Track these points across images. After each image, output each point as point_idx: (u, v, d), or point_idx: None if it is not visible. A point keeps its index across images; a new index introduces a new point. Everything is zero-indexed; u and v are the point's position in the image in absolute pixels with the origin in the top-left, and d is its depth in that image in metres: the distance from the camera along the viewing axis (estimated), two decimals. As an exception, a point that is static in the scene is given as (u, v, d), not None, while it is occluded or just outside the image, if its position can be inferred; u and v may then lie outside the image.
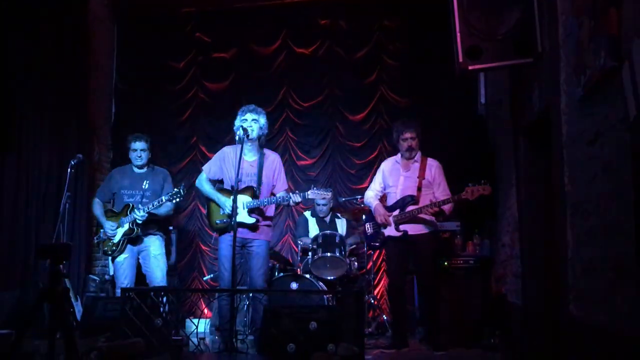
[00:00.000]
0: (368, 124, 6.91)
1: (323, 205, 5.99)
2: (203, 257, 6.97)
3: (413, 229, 4.77)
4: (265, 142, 5.02)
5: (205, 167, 4.88)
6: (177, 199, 4.89)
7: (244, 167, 4.66)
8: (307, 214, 6.23)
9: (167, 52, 7.33)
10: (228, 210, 4.51)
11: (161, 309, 4.17)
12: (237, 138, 4.58)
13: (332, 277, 5.41)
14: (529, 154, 4.42)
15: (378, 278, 6.54)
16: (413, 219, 4.76)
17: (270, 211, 4.80)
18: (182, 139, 7.19)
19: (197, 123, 7.25)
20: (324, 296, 5.24)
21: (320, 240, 5.45)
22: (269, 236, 4.84)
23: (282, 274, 5.52)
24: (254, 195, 4.60)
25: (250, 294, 4.97)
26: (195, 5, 7.31)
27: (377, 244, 5.07)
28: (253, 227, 4.62)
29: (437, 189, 4.82)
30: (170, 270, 5.70)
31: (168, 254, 5.64)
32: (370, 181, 5.62)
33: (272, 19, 7.22)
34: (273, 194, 4.77)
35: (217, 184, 4.86)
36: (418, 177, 4.84)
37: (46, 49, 5.91)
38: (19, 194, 5.53)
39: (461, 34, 3.84)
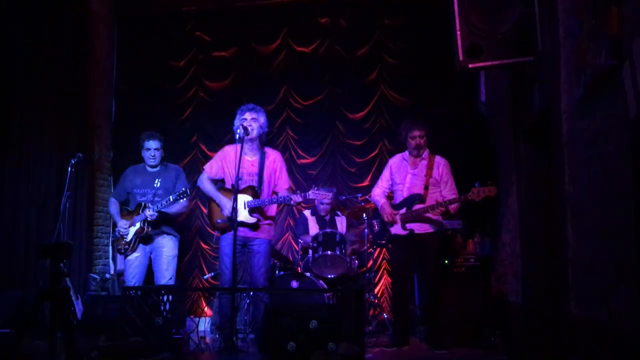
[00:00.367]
0: (368, 123, 6.91)
1: (327, 204, 5.99)
2: (204, 256, 6.97)
3: (419, 227, 4.77)
4: (266, 140, 5.02)
5: (206, 167, 4.88)
6: (184, 198, 4.89)
7: (245, 166, 4.66)
8: (307, 212, 6.24)
9: (168, 51, 7.33)
10: (227, 212, 4.50)
11: (161, 308, 4.17)
12: (237, 137, 4.57)
13: (332, 276, 5.41)
14: (530, 153, 4.42)
15: (378, 276, 6.54)
16: (419, 217, 4.76)
17: (272, 210, 4.80)
18: (183, 138, 7.18)
19: (198, 122, 7.24)
20: (325, 295, 5.25)
21: (320, 239, 5.46)
22: (270, 235, 4.84)
23: (282, 272, 5.53)
24: (255, 195, 4.60)
25: (251, 293, 4.98)
26: (196, 4, 7.30)
27: (384, 241, 5.07)
28: (254, 226, 4.62)
29: (445, 188, 4.82)
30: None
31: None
32: (371, 180, 5.66)
33: (272, 18, 7.21)
34: (275, 193, 4.77)
35: (219, 183, 4.87)
36: (425, 176, 4.83)
37: (46, 48, 5.91)
38: (20, 193, 5.54)
39: (461, 33, 3.83)
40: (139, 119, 7.16)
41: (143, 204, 5.03)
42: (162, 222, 5.08)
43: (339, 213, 6.25)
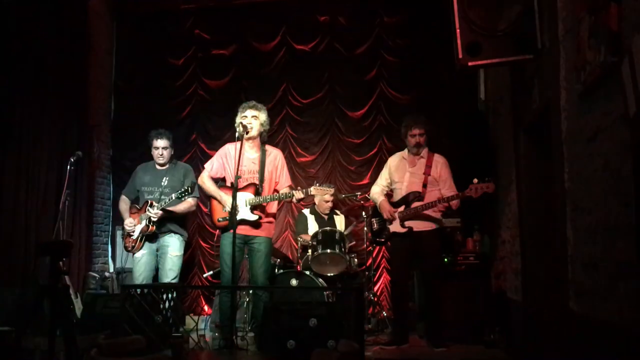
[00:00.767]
0: (368, 121, 6.91)
1: (329, 201, 5.99)
2: (203, 254, 6.97)
3: (418, 225, 4.77)
4: (267, 138, 5.02)
5: (207, 165, 4.89)
6: (186, 196, 4.89)
7: (246, 164, 4.66)
8: (306, 211, 6.24)
9: (167, 48, 7.33)
10: (228, 209, 4.51)
11: (161, 306, 4.17)
12: (237, 135, 4.57)
13: (332, 274, 5.42)
14: (529, 151, 4.42)
15: (378, 274, 6.54)
16: (418, 215, 4.76)
17: (273, 208, 4.80)
18: (182, 135, 7.17)
19: (197, 120, 7.24)
20: (324, 293, 5.25)
21: (319, 237, 5.46)
22: (271, 233, 4.85)
23: (282, 270, 5.53)
24: (257, 192, 4.60)
25: (251, 291, 4.98)
26: (195, 1, 7.30)
27: (383, 239, 5.07)
28: (255, 224, 4.63)
29: (444, 186, 4.83)
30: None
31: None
32: (370, 177, 5.65)
33: (271, 16, 7.21)
34: (276, 191, 4.77)
35: (220, 181, 4.86)
36: (424, 174, 4.84)
37: (46, 45, 5.90)
38: (19, 191, 5.54)
39: (461, 30, 3.83)
40: (138, 117, 7.17)
41: (149, 201, 5.04)
42: (168, 221, 5.08)
43: (337, 211, 6.25)
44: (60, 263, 2.76)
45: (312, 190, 4.56)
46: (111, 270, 6.86)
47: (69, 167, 5.18)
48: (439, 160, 4.91)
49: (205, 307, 6.72)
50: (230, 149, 4.81)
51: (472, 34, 3.81)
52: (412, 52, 6.84)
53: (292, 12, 7.19)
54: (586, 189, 2.94)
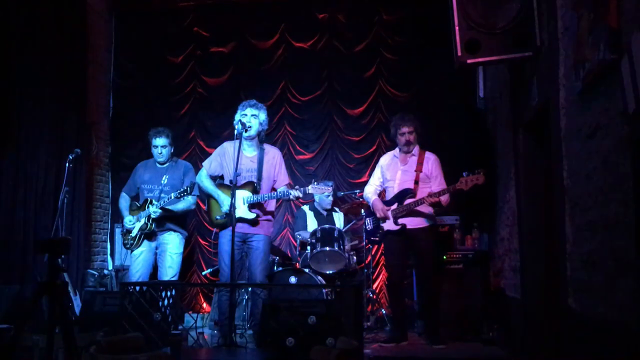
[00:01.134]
0: (367, 118, 6.90)
1: (330, 196, 5.97)
2: (202, 252, 6.97)
3: (411, 222, 4.77)
4: (265, 137, 5.01)
5: (205, 163, 4.88)
6: (186, 196, 4.89)
7: (244, 162, 4.66)
8: (305, 208, 6.24)
9: (165, 46, 7.31)
10: (226, 209, 4.50)
11: (160, 304, 4.17)
12: (235, 132, 4.57)
13: (331, 271, 5.41)
14: (528, 148, 4.42)
15: (377, 272, 6.54)
16: (411, 212, 4.76)
17: (271, 206, 4.80)
18: (181, 133, 7.16)
19: (196, 117, 7.23)
20: (323, 290, 5.24)
21: (319, 235, 5.45)
22: (269, 231, 4.85)
23: (281, 268, 5.53)
24: (255, 191, 4.60)
25: (250, 289, 4.98)
26: (194, -1, 7.30)
27: (377, 238, 5.08)
28: (253, 222, 4.62)
29: (434, 182, 4.83)
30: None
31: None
32: (369, 175, 5.62)
33: (270, 13, 7.20)
34: (274, 189, 4.77)
35: (218, 179, 4.86)
36: (415, 171, 4.84)
37: (44, 42, 5.89)
38: (18, 188, 5.53)
39: (460, 28, 3.83)
40: (136, 114, 7.16)
41: (149, 199, 5.04)
42: (167, 219, 5.08)
43: (336, 209, 6.25)
44: (59, 260, 2.75)
45: (310, 189, 4.56)
46: (110, 267, 6.86)
47: (67, 164, 5.17)
48: (430, 157, 4.91)
49: (204, 305, 6.72)
50: (227, 147, 4.81)
51: (471, 32, 3.81)
52: (411, 49, 6.83)
53: (291, 10, 7.17)
54: (585, 186, 2.94)
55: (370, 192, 5.09)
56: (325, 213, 6.11)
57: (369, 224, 5.24)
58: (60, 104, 6.09)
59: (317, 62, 7.05)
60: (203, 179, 4.79)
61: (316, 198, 6.12)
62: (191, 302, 6.86)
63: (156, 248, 5.14)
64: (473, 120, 6.34)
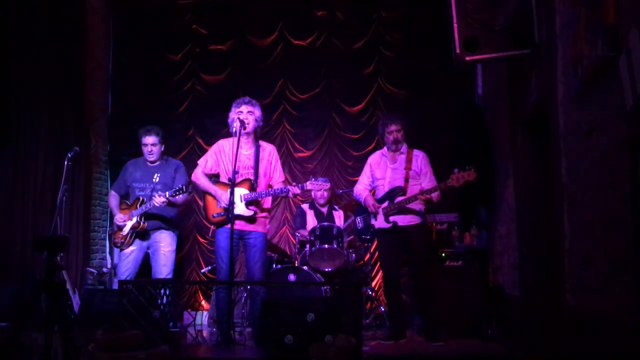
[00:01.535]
0: (365, 116, 6.90)
1: (325, 190, 5.98)
2: (201, 250, 6.97)
3: (403, 219, 4.77)
4: (261, 134, 5.01)
5: (201, 161, 4.87)
6: (180, 195, 4.87)
7: (240, 159, 4.65)
8: (305, 206, 6.24)
9: (164, 44, 7.29)
10: (224, 204, 4.50)
11: (159, 301, 4.17)
12: (232, 130, 4.55)
13: (329, 269, 5.42)
14: (527, 145, 4.43)
15: (376, 270, 6.54)
16: (402, 209, 4.76)
17: (267, 203, 4.80)
18: (179, 131, 7.16)
19: (194, 115, 7.21)
20: (322, 288, 5.25)
21: (317, 232, 5.46)
22: (266, 228, 4.85)
23: (280, 265, 5.53)
24: (252, 188, 4.60)
25: (248, 286, 4.98)
26: (192, -3, 7.28)
27: (368, 236, 5.08)
28: (250, 219, 4.62)
29: (424, 180, 4.84)
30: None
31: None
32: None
33: (269, 11, 7.18)
34: (270, 186, 4.77)
35: (213, 177, 4.85)
36: (405, 169, 4.85)
37: (43, 40, 5.88)
38: (16, 187, 5.52)
39: (459, 25, 3.83)
40: (135, 112, 7.14)
41: (141, 198, 5.02)
42: (159, 218, 5.07)
43: (336, 207, 6.25)
44: (58, 258, 2.75)
45: (308, 185, 4.56)
46: (109, 265, 6.85)
47: (66, 162, 5.16)
48: (418, 155, 4.92)
49: (203, 303, 6.72)
50: (224, 145, 4.80)
51: (469, 29, 3.81)
52: (410, 47, 6.83)
53: (289, 7, 7.16)
54: (583, 183, 2.94)
55: (360, 190, 5.10)
56: (324, 211, 6.11)
57: (359, 222, 5.26)
58: (58, 101, 6.08)
59: (316, 60, 7.04)
60: (199, 176, 4.77)
61: (313, 194, 6.13)
62: (190, 300, 6.86)
63: (147, 247, 5.12)
64: (471, 117, 6.34)
